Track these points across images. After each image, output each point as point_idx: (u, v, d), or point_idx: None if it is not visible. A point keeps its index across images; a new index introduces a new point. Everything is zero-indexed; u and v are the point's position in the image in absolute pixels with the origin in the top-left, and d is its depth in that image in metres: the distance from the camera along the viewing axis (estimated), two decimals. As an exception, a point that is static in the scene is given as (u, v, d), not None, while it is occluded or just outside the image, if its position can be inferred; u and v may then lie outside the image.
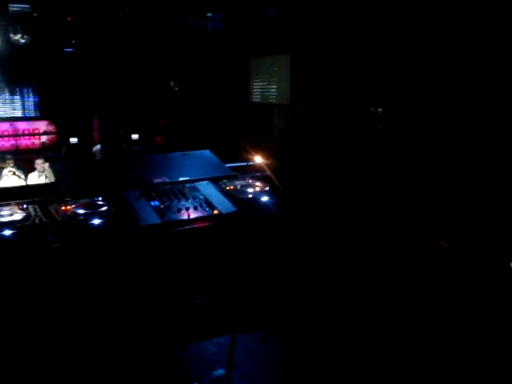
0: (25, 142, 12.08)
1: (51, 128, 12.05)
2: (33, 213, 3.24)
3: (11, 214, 3.20)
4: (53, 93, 11.36)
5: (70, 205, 3.37)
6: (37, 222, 3.09)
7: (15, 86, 11.08)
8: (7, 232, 2.98)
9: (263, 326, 3.08)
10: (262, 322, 3.09)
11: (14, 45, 8.66)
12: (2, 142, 11.87)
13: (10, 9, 8.31)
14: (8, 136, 11.92)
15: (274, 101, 9.80)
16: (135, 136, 11.94)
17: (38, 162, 8.10)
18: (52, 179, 6.96)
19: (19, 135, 12.00)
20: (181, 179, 3.93)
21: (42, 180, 7.75)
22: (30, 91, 11.56)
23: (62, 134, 11.92)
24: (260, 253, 3.53)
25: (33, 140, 12.16)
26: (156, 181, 3.83)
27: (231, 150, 8.50)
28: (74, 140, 11.87)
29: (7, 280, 2.91)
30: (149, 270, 3.22)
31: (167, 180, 3.87)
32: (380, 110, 7.82)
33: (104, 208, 3.33)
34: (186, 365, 2.79)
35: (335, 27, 7.30)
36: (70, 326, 2.96)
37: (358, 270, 3.51)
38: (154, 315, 3.22)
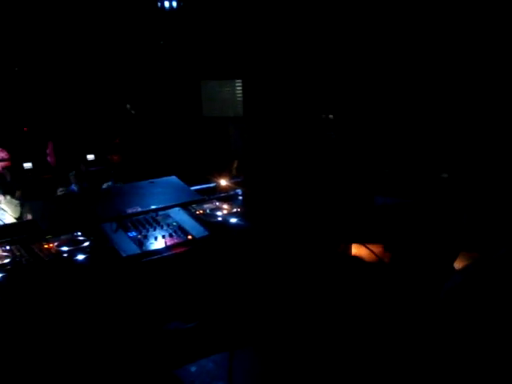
0: (-25, 170, 11.87)
1: (3, 155, 11.89)
2: (17, 253, 3.43)
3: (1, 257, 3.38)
4: (3, 119, 11.24)
5: (52, 242, 3.57)
6: (24, 262, 3.29)
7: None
8: (-4, 275, 3.16)
9: (251, 341, 3.39)
10: (250, 337, 3.39)
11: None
12: (-50, 172, 11.61)
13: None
14: (-41, 165, 11.68)
15: (228, 114, 10.12)
16: (91, 156, 11.95)
17: None
18: (10, 211, 6.96)
19: (-30, 164, 11.78)
20: (153, 207, 4.19)
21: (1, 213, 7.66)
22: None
23: (15, 160, 11.78)
24: (235, 271, 3.84)
25: (-16, 168, 11.94)
26: (130, 211, 4.08)
27: (190, 165, 8.77)
28: (28, 165, 11.77)
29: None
30: (135, 298, 3.47)
31: (140, 209, 4.12)
32: (331, 116, 8.26)
33: (86, 243, 3.56)
34: (188, 382, 3.06)
35: (284, 40, 7.66)
36: (68, 357, 3.18)
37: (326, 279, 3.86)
38: (146, 339, 3.47)
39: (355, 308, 3.70)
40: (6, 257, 3.35)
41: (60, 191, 7.25)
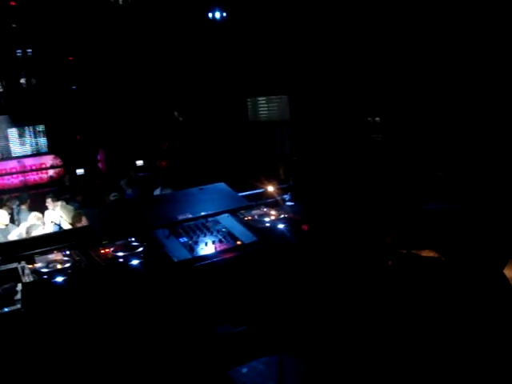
0: (33, 177, 12.44)
1: (57, 162, 12.42)
2: (76, 258, 3.61)
3: (58, 261, 3.56)
4: (58, 128, 11.74)
5: (108, 248, 3.72)
6: (83, 267, 3.45)
7: (23, 125, 11.45)
8: (59, 278, 3.33)
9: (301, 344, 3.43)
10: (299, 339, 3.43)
11: (22, 87, 9.06)
12: (11, 179, 12.22)
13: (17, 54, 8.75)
14: (16, 173, 12.28)
15: (274, 118, 10.18)
16: (140, 162, 12.32)
17: (49, 201, 8.30)
18: (65, 217, 7.24)
19: (27, 171, 12.36)
20: (202, 214, 4.29)
21: (57, 218, 7.97)
22: (38, 129, 11.91)
23: (68, 167, 12.29)
24: (282, 277, 3.88)
25: (40, 175, 12.50)
26: (181, 217, 4.19)
27: (236, 170, 8.89)
28: (80, 171, 12.25)
29: (61, 324, 3.26)
30: (187, 301, 3.58)
31: (191, 216, 4.23)
32: (378, 119, 8.20)
33: (140, 249, 3.69)
34: (240, 383, 3.14)
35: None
36: (124, 356, 3.31)
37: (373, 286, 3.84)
38: (198, 341, 3.57)
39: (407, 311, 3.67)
40: (67, 261, 3.52)
41: (113, 196, 7.50)
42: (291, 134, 9.35)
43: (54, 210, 8.19)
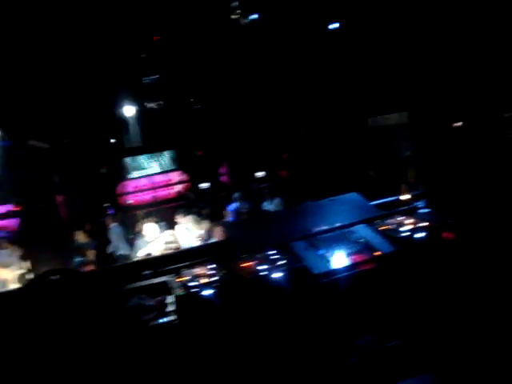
0: (162, 193, 13.30)
1: (184, 177, 13.14)
2: (221, 272, 3.78)
3: (204, 275, 3.76)
4: (184, 147, 12.42)
5: (250, 261, 3.85)
6: (229, 280, 3.61)
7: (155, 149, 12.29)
8: (207, 292, 3.52)
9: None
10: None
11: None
12: (143, 196, 13.18)
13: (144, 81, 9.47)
14: (147, 190, 13.22)
15: (394, 121, 9.91)
16: (260, 173, 12.59)
17: (179, 216, 8.68)
18: (195, 231, 7.58)
19: (156, 187, 13.24)
20: (337, 225, 4.27)
21: (187, 232, 8.36)
22: (166, 151, 12.67)
23: (194, 182, 12.94)
24: (425, 287, 3.73)
25: (168, 190, 13.32)
26: (316, 229, 4.22)
27: (358, 177, 8.75)
28: (204, 185, 12.85)
29: (211, 336, 3.43)
30: (327, 313, 3.58)
31: (326, 227, 4.24)
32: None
33: (280, 262, 3.78)
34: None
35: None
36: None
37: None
38: (336, 353, 3.56)
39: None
40: (214, 275, 3.71)
41: (245, 208, 7.73)
42: (415, 137, 9.01)
43: (184, 224, 8.63)
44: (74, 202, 10.48)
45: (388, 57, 9.03)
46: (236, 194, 9.82)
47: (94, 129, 11.00)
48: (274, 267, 3.73)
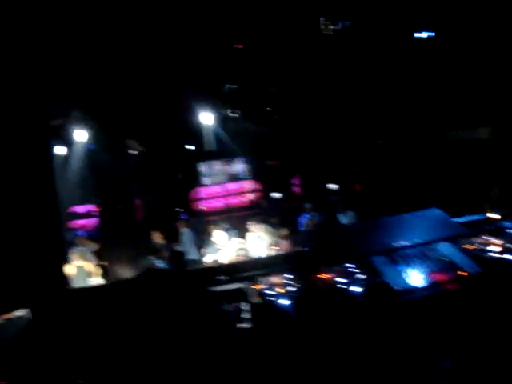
0: (234, 200, 13.48)
1: (256, 186, 13.25)
2: (297, 282, 3.77)
3: (280, 284, 3.76)
4: (259, 156, 12.52)
5: (328, 273, 3.81)
6: (305, 292, 3.59)
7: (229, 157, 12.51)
8: (284, 301, 3.52)
9: None
10: None
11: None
12: (216, 203, 13.41)
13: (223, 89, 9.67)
14: (220, 197, 13.45)
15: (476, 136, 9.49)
16: (333, 186, 12.47)
17: (252, 224, 8.70)
18: (266, 240, 7.59)
19: (229, 195, 13.44)
20: (418, 241, 4.14)
21: (258, 241, 8.38)
22: (240, 160, 12.86)
23: (266, 191, 13.01)
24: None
25: (240, 198, 13.47)
26: (395, 245, 4.11)
27: (434, 193, 8.44)
28: (276, 195, 12.90)
29: (285, 346, 3.40)
30: (407, 332, 3.46)
31: (405, 243, 4.12)
32: None
33: (359, 276, 3.71)
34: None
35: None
36: None
37: None
38: (417, 375, 3.42)
39: None
40: (290, 284, 3.70)
41: (316, 219, 7.69)
42: (498, 154, 8.57)
43: (256, 232, 8.66)
44: (150, 205, 10.83)
45: (475, 71, 8.67)
46: (307, 205, 9.78)
47: (172, 135, 11.35)
48: (352, 280, 3.67)
